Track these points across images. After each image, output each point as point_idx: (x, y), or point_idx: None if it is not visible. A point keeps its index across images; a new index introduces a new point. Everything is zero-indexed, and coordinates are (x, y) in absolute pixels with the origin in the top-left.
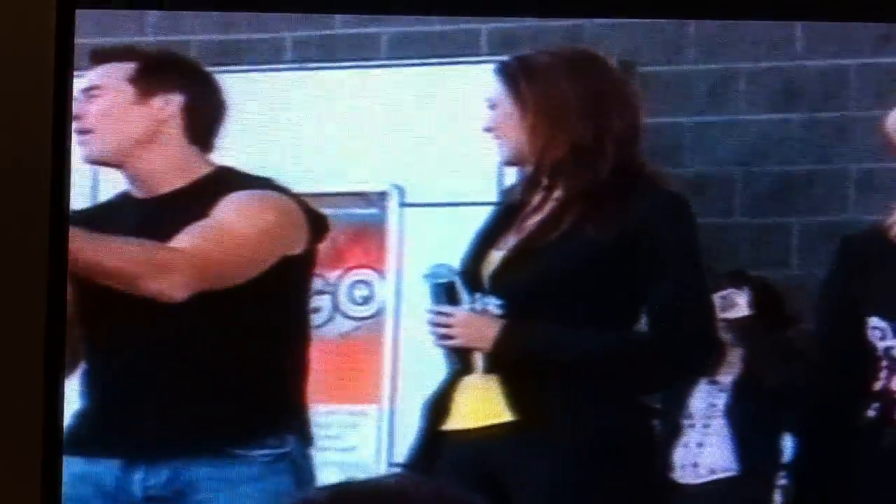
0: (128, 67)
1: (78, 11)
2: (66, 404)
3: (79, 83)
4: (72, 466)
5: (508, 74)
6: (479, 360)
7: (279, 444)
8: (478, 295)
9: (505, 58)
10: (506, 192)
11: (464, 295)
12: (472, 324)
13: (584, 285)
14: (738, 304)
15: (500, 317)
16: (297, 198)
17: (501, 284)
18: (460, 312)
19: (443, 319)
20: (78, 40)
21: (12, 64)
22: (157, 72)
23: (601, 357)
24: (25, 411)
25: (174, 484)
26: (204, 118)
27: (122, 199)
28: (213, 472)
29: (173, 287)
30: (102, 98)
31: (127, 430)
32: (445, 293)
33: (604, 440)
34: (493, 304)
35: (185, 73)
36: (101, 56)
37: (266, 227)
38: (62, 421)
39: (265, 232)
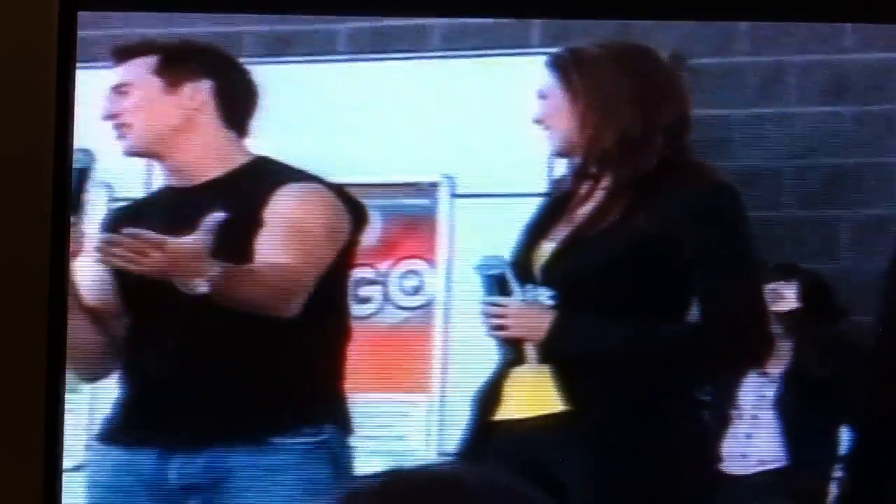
0: (151, 61)
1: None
2: (92, 401)
3: (105, 81)
4: (113, 456)
5: (560, 65)
6: (530, 350)
7: (316, 433)
8: (529, 286)
9: (556, 50)
10: (555, 184)
11: (515, 286)
12: (524, 315)
13: (634, 275)
14: (786, 297)
15: (552, 308)
16: (337, 188)
17: (552, 275)
18: (513, 303)
19: (495, 310)
20: (127, 30)
21: (14, 64)
22: (181, 61)
23: (653, 348)
24: (25, 413)
25: (210, 472)
26: (236, 102)
27: (163, 190)
28: (249, 461)
29: (295, 308)
30: (133, 93)
31: (164, 420)
32: (497, 284)
33: (654, 432)
34: (544, 295)
35: (209, 59)
36: (123, 53)
37: (328, 224)
38: (62, 424)
39: (329, 228)
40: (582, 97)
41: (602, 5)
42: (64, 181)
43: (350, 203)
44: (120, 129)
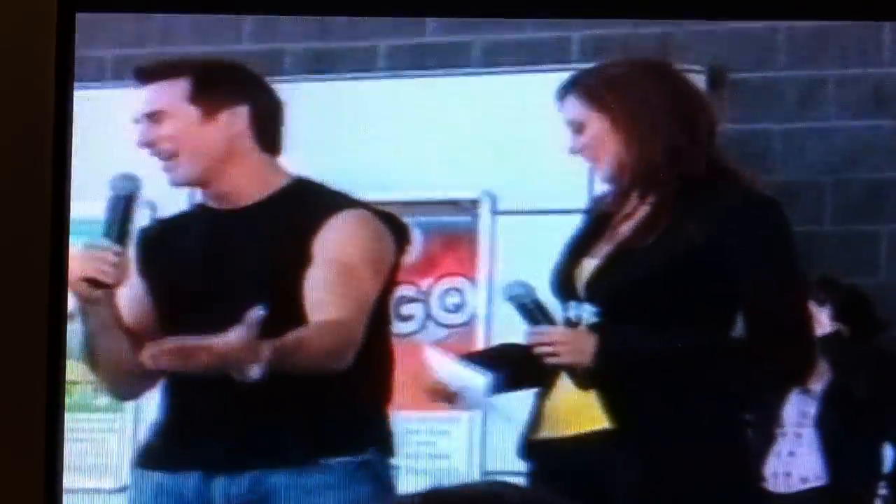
0: (182, 87)
1: (162, 17)
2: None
3: (134, 104)
4: (151, 480)
5: (589, 89)
6: (579, 374)
7: (359, 452)
8: (572, 303)
9: (572, 77)
10: (597, 200)
11: (571, 313)
12: (570, 340)
13: (678, 289)
14: (820, 322)
15: (596, 325)
16: (380, 212)
17: (596, 291)
18: (555, 330)
19: (541, 339)
20: (159, 49)
21: (12, 69)
22: (214, 85)
23: (699, 367)
24: (26, 420)
25: (256, 492)
26: (269, 123)
27: (198, 210)
28: (293, 480)
29: (351, 359)
30: (168, 122)
31: (207, 442)
32: (538, 311)
33: (700, 450)
34: (588, 311)
35: (241, 81)
36: (147, 74)
37: (375, 255)
38: (62, 431)
39: (377, 260)
40: (621, 117)
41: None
42: (63, 188)
43: (394, 225)
44: (163, 157)
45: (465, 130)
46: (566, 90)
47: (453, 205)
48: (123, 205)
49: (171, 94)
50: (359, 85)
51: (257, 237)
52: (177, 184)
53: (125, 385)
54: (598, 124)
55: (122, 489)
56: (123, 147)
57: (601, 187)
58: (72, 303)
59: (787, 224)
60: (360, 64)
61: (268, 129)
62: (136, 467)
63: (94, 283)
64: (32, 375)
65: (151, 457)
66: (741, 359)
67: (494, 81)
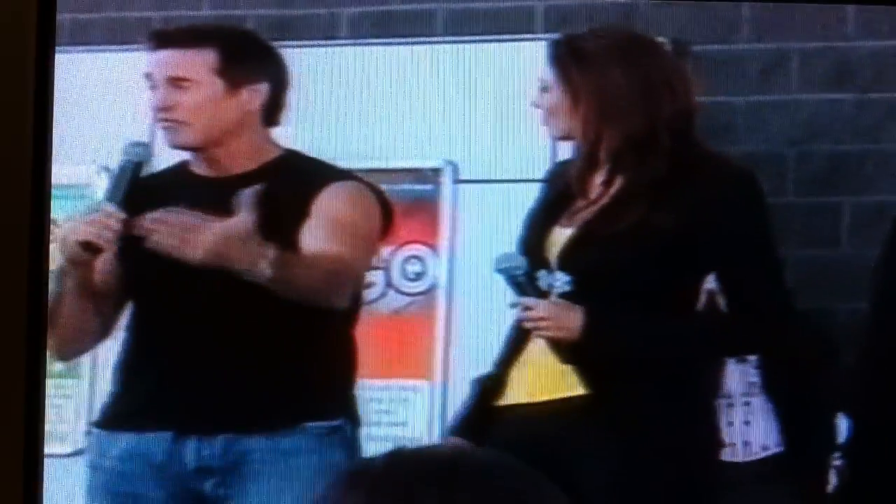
0: (210, 57)
1: None
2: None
3: (154, 67)
4: (118, 442)
5: (559, 59)
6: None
7: (332, 418)
8: (543, 272)
9: (555, 36)
10: (559, 168)
11: (542, 282)
12: (556, 314)
13: (657, 268)
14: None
15: (571, 295)
16: (370, 184)
17: (572, 263)
18: (544, 303)
19: (528, 313)
20: (147, 13)
21: None
22: (242, 61)
23: (684, 345)
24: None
25: (228, 454)
26: (279, 102)
27: (182, 173)
28: (266, 444)
29: (346, 299)
30: (193, 91)
31: (180, 404)
32: (528, 284)
33: (673, 418)
34: (561, 281)
35: (265, 58)
36: (169, 38)
37: (371, 222)
38: (43, 421)
39: (372, 227)
40: (583, 95)
41: None
42: (43, 170)
43: (381, 199)
44: (171, 123)
45: (428, 99)
46: (547, 49)
47: (415, 173)
48: (132, 171)
49: (199, 63)
50: (320, 53)
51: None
52: (177, 146)
53: (75, 346)
54: (558, 93)
55: (76, 453)
56: (89, 111)
57: (563, 155)
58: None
59: (763, 197)
60: (321, 32)
61: (276, 105)
62: (99, 429)
63: (89, 246)
64: (12, 345)
65: (118, 418)
66: (727, 332)
67: (458, 50)
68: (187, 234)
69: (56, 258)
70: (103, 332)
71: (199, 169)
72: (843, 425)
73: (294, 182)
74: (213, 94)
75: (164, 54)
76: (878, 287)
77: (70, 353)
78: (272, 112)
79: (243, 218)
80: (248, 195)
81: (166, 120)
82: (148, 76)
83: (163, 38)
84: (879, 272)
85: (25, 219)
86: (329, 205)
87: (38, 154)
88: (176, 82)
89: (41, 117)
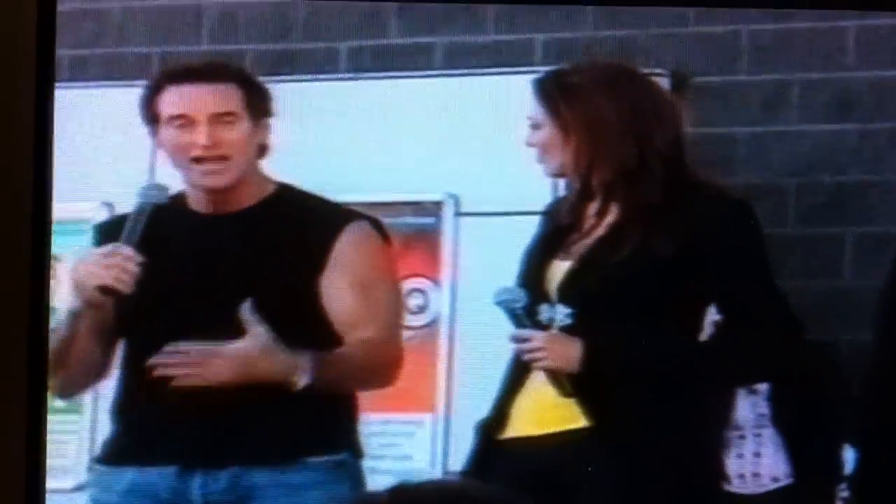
0: (238, 92)
1: (119, 16)
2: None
3: (187, 103)
4: (120, 477)
5: (546, 94)
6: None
7: (337, 452)
8: (544, 306)
9: (540, 75)
10: (557, 203)
11: (543, 316)
12: (554, 345)
13: (654, 299)
14: None
15: (572, 328)
16: (371, 219)
17: (572, 295)
18: (541, 335)
19: (527, 345)
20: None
21: None
22: (256, 95)
23: (686, 374)
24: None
25: (234, 490)
26: (270, 135)
27: (180, 210)
28: (272, 478)
29: (394, 377)
30: (237, 126)
31: (185, 439)
32: (526, 317)
33: (672, 454)
34: (561, 313)
35: (265, 93)
36: (196, 74)
37: (388, 267)
38: (45, 437)
39: (389, 271)
40: (572, 129)
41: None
42: (45, 201)
43: (381, 231)
44: (216, 161)
45: (428, 132)
46: (532, 86)
47: (417, 206)
48: (149, 214)
49: (234, 97)
50: (320, 86)
51: (251, 241)
52: (218, 186)
53: (81, 385)
54: (549, 129)
55: (78, 488)
56: (87, 148)
57: (562, 189)
58: (63, 306)
59: (757, 223)
60: (321, 65)
61: (267, 141)
62: (102, 465)
63: (107, 290)
64: (13, 381)
65: (120, 453)
66: (728, 358)
67: (457, 83)
68: (204, 365)
69: (67, 299)
70: (106, 370)
71: (198, 205)
72: (849, 456)
73: (295, 220)
74: (247, 129)
75: (199, 90)
76: (881, 318)
77: (75, 391)
78: (264, 146)
79: (256, 335)
80: (247, 309)
81: (209, 158)
82: (177, 116)
83: (187, 74)
84: (884, 304)
85: (27, 254)
86: (348, 258)
87: (39, 189)
88: (221, 118)
89: (41, 153)
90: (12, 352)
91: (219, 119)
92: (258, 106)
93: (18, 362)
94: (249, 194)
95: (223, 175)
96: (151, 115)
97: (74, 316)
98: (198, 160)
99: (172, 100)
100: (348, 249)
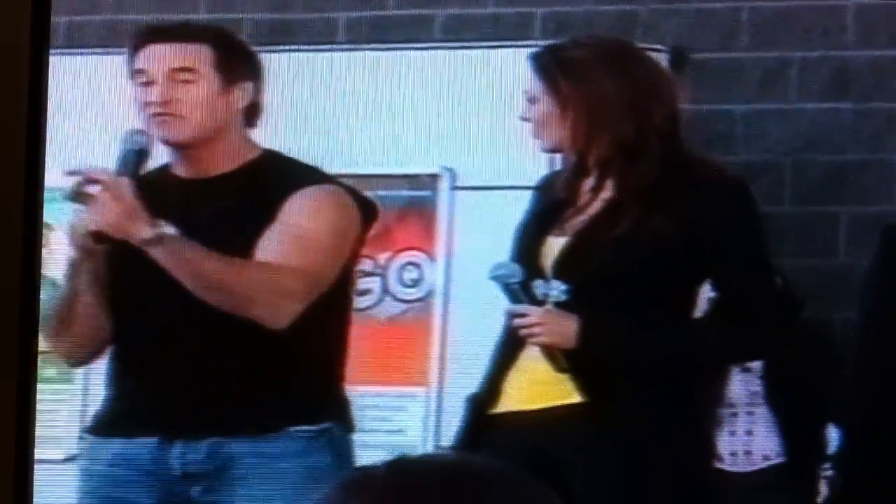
0: (209, 53)
1: None
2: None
3: (149, 61)
4: (108, 448)
5: (545, 69)
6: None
7: (319, 422)
8: (539, 281)
9: (538, 49)
10: (551, 178)
11: (538, 291)
12: (552, 321)
13: (652, 275)
14: None
15: (567, 304)
16: (348, 187)
17: (567, 272)
18: (537, 310)
19: (523, 321)
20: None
21: None
22: (234, 59)
23: (682, 352)
24: None
25: (213, 459)
26: (259, 103)
27: (163, 175)
28: (252, 448)
29: (283, 315)
30: (195, 84)
31: (165, 409)
32: (522, 292)
33: (665, 431)
34: (557, 289)
35: (251, 57)
36: (165, 34)
37: (340, 230)
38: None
39: (340, 235)
40: (571, 105)
41: None
42: (38, 170)
43: (361, 200)
44: (168, 117)
45: (426, 105)
46: (530, 60)
47: (412, 179)
48: (135, 159)
49: (201, 56)
50: (317, 57)
51: (224, 207)
52: (169, 142)
53: (90, 348)
54: (546, 104)
55: (69, 459)
56: (84, 113)
57: (558, 164)
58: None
59: (754, 202)
60: (319, 36)
61: (256, 106)
62: (91, 436)
63: (101, 237)
64: (4, 350)
65: (108, 424)
66: (724, 338)
67: (456, 56)
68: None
69: (60, 268)
70: (102, 343)
71: (181, 171)
72: (833, 435)
73: (269, 184)
74: (211, 89)
75: (162, 48)
76: (866, 299)
77: (85, 355)
78: (252, 113)
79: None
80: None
81: (163, 114)
82: (140, 72)
83: (157, 34)
84: (869, 283)
85: (18, 221)
86: (292, 213)
87: (32, 158)
88: (178, 75)
89: (35, 120)
90: (3, 322)
91: (175, 76)
92: (233, 68)
93: (10, 332)
94: (230, 159)
95: (174, 128)
96: (130, 75)
97: (73, 271)
98: (155, 116)
99: (141, 57)
100: (294, 207)
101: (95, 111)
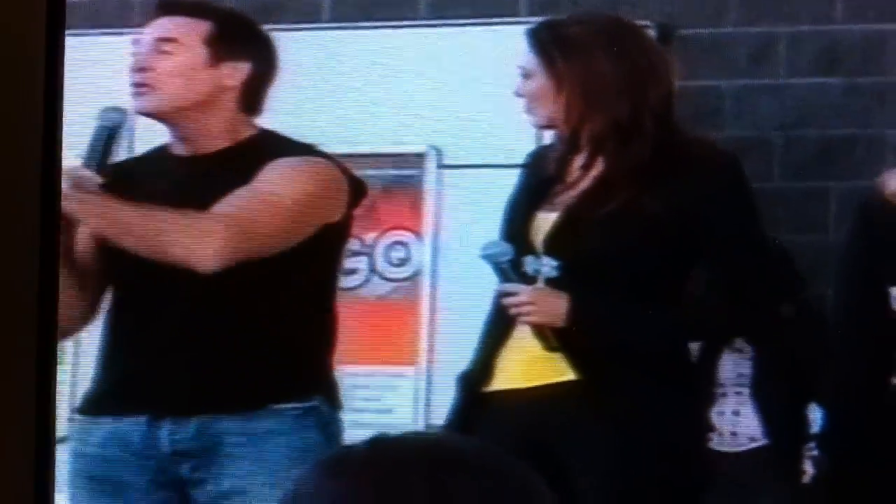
0: (203, 27)
1: None
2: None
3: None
4: (98, 428)
5: (542, 45)
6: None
7: (306, 399)
8: (529, 258)
9: (535, 24)
10: (541, 153)
11: (529, 268)
12: (542, 300)
13: (645, 254)
14: None
15: (558, 281)
16: (340, 163)
17: (559, 248)
18: (528, 289)
19: (513, 299)
20: None
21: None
22: (232, 37)
23: (672, 330)
24: (17, 399)
25: (202, 438)
26: (261, 88)
27: (161, 154)
28: (240, 426)
29: (207, 257)
30: (176, 55)
31: (153, 388)
32: (512, 271)
33: (659, 408)
34: (548, 266)
35: (255, 40)
36: (170, 8)
37: (307, 196)
38: (55, 410)
39: (307, 201)
40: (567, 83)
41: None
42: (54, 150)
43: (351, 178)
44: (141, 87)
45: (412, 83)
46: (526, 36)
47: (399, 158)
48: (107, 136)
49: (191, 29)
50: (304, 36)
51: (218, 183)
52: (141, 111)
53: (61, 327)
54: (540, 79)
55: (59, 440)
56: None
57: (547, 141)
58: None
59: (746, 180)
60: (304, 15)
61: (256, 93)
62: (80, 416)
63: (66, 219)
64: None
65: (96, 403)
66: (717, 317)
67: (442, 34)
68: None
69: None
70: (86, 313)
71: (177, 149)
72: (816, 415)
73: (263, 160)
74: (192, 61)
75: (161, 20)
76: (843, 277)
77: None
78: (252, 97)
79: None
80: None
81: (138, 83)
82: (135, 42)
83: (167, 8)
84: (844, 260)
85: (36, 204)
86: (264, 174)
87: (49, 138)
88: (161, 44)
89: (51, 100)
90: (22, 307)
91: (159, 45)
92: (227, 45)
93: (29, 317)
94: (223, 136)
95: (144, 98)
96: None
97: None
98: (132, 86)
99: (145, 30)
100: (268, 170)
101: (111, 91)
